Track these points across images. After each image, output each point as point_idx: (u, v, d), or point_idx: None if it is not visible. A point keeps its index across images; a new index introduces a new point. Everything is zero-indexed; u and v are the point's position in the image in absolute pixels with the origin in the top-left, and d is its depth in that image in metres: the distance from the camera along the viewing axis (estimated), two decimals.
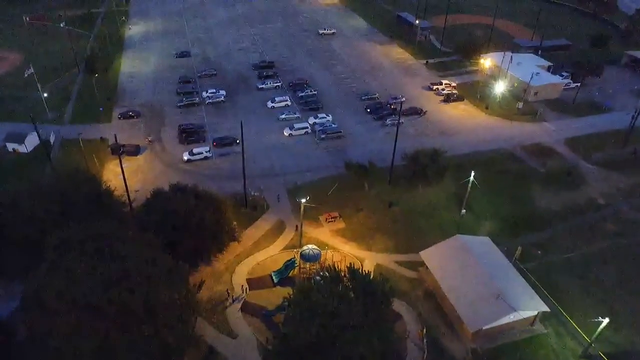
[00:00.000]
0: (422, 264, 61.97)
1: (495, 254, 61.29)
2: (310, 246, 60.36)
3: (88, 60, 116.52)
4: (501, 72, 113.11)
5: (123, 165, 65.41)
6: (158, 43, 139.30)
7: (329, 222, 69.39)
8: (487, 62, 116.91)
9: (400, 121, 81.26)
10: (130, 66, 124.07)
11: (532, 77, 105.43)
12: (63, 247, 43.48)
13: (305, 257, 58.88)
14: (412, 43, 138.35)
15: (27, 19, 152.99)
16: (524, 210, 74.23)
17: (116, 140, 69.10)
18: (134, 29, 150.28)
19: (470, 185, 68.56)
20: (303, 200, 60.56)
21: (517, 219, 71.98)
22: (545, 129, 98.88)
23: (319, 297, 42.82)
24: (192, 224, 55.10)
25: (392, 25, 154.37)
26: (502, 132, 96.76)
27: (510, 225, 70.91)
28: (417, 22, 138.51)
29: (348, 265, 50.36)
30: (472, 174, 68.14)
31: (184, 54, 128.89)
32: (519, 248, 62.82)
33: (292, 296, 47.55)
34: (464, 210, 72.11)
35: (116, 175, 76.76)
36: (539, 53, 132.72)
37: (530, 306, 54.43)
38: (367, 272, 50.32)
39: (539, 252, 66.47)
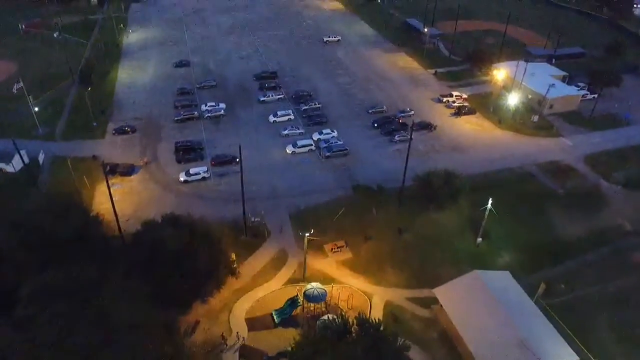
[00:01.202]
0: (437, 300, 56.79)
1: (517, 292, 55.96)
2: (314, 284, 55.18)
3: (82, 71, 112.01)
4: (514, 83, 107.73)
5: (116, 186, 60.58)
6: (157, 51, 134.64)
7: (334, 252, 64.27)
8: (500, 73, 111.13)
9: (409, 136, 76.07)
10: (128, 76, 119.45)
11: (548, 89, 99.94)
12: (35, 303, 38.40)
13: (309, 298, 53.74)
14: (420, 51, 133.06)
15: (24, 26, 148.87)
16: (544, 238, 68.84)
17: (104, 168, 64.10)
18: (133, 37, 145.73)
19: (487, 213, 63.36)
20: (307, 235, 55.52)
21: (538, 249, 66.64)
22: (563, 145, 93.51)
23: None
24: (186, 263, 50.15)
25: (399, 32, 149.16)
26: (516, 149, 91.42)
27: (531, 256, 65.60)
28: (425, 29, 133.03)
29: (357, 315, 45.17)
30: (490, 202, 62.88)
31: (183, 63, 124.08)
32: (542, 285, 57.49)
33: (294, 349, 42.61)
34: (480, 239, 66.87)
35: (109, 197, 72.42)
36: (553, 62, 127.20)
37: (557, 354, 49.17)
38: (377, 320, 45.16)
39: (563, 286, 61.16)
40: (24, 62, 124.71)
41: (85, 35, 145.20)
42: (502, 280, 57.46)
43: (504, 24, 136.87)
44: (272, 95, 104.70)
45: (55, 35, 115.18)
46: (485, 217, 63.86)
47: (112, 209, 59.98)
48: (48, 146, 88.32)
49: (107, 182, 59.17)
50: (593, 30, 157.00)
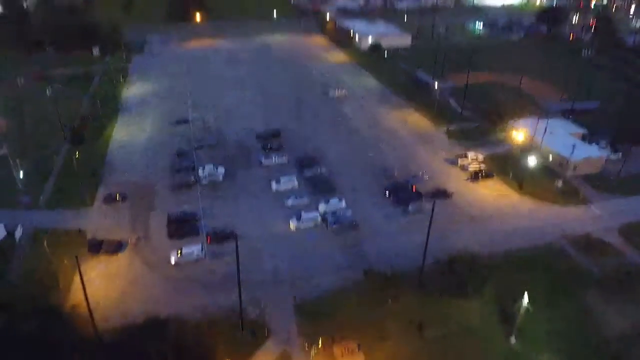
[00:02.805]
0: None
1: None
2: None
3: (74, 128, 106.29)
4: (534, 142, 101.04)
5: (100, 267, 52.75)
6: (156, 106, 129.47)
7: (345, 357, 55.17)
8: (519, 135, 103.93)
9: (424, 205, 68.77)
10: (123, 133, 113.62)
11: (572, 150, 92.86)
12: None
13: None
14: (430, 106, 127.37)
15: (22, 80, 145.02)
16: (585, 334, 59.80)
17: (90, 247, 56.33)
18: (132, 90, 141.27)
19: (522, 310, 54.77)
20: (313, 352, 46.95)
21: (580, 349, 57.54)
22: (592, 214, 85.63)
23: None
24: None
25: (407, 85, 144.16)
26: (541, 219, 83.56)
27: (571, 357, 56.45)
28: (436, 84, 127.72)
29: None
30: (526, 297, 54.37)
31: (182, 121, 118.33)
32: None
33: None
34: (513, 338, 57.90)
35: (94, 280, 64.66)
36: (570, 117, 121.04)
37: None
38: None
39: None
40: (16, 117, 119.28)
41: (84, 88, 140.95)
42: None
43: (513, 75, 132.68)
44: (275, 159, 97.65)
45: (47, 91, 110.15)
46: (521, 313, 55.25)
47: (98, 290, 51.94)
48: (30, 216, 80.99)
49: (81, 278, 51.13)
50: (603, 81, 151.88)
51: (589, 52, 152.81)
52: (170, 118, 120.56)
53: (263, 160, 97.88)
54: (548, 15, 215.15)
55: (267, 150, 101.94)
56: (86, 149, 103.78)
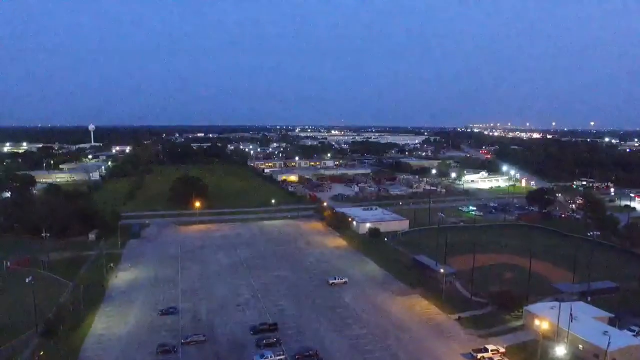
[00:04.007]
0: None
1: None
2: None
3: (49, 320, 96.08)
4: (558, 329, 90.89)
5: None
6: (144, 294, 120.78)
7: None
8: (541, 322, 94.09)
9: None
10: (103, 325, 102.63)
11: (609, 341, 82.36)
12: None
13: None
14: (436, 292, 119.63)
15: (8, 264, 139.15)
16: None
17: None
18: (121, 277, 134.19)
19: None
20: None
21: None
22: None
23: None
24: None
25: (409, 270, 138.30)
26: None
27: None
28: (441, 270, 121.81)
29: None
30: None
31: (170, 311, 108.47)
32: None
33: None
34: None
35: None
36: (588, 299, 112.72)
37: None
38: None
39: None
40: None
41: (72, 274, 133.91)
42: None
43: (518, 256, 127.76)
44: (271, 357, 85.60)
45: (27, 280, 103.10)
46: None
47: None
48: None
49: None
50: (612, 261, 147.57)
51: (593, 233, 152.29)
52: (158, 307, 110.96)
53: (257, 359, 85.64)
54: (538, 196, 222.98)
55: (262, 347, 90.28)
56: (57, 343, 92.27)
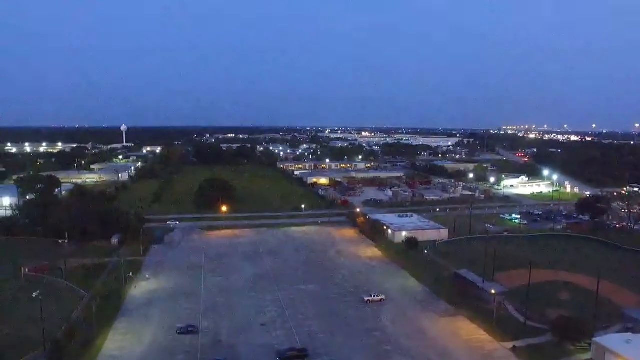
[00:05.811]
0: None
1: None
2: None
3: (56, 341, 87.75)
4: None
5: None
6: (163, 308, 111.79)
7: None
8: None
9: None
10: (116, 345, 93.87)
11: None
12: None
13: None
14: (483, 314, 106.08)
15: (27, 270, 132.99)
16: None
17: None
18: (140, 288, 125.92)
19: None
20: None
21: None
22: None
23: None
24: None
25: (453, 287, 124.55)
26: None
27: None
28: (492, 290, 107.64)
29: None
30: None
31: (189, 330, 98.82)
32: None
33: None
34: None
35: None
36: None
37: None
38: None
39: None
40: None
41: (90, 283, 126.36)
42: None
43: (570, 272, 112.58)
44: None
45: (34, 295, 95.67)
46: None
47: None
48: None
49: None
50: None
51: None
52: (175, 325, 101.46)
53: None
54: (590, 204, 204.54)
55: None
56: None
